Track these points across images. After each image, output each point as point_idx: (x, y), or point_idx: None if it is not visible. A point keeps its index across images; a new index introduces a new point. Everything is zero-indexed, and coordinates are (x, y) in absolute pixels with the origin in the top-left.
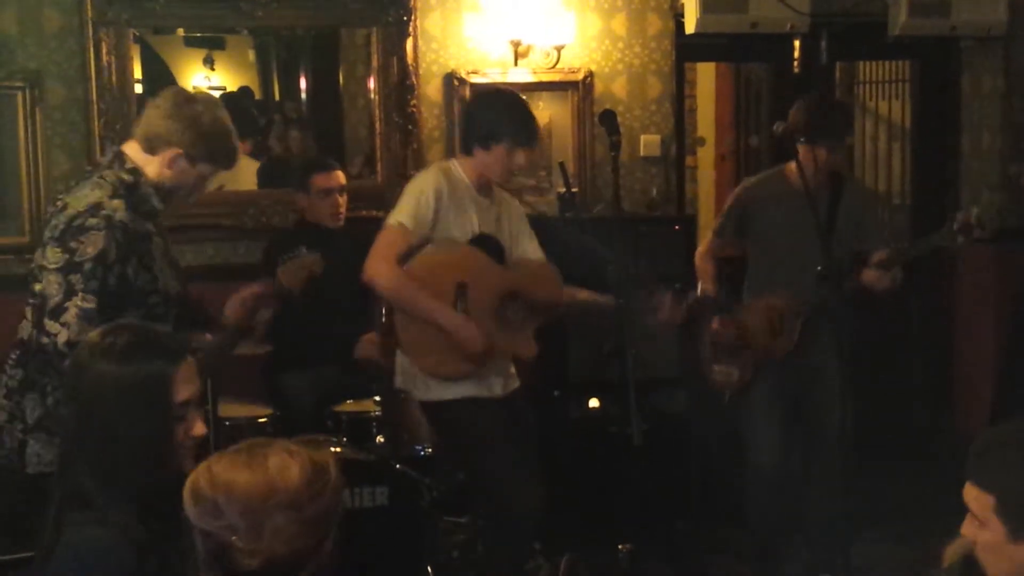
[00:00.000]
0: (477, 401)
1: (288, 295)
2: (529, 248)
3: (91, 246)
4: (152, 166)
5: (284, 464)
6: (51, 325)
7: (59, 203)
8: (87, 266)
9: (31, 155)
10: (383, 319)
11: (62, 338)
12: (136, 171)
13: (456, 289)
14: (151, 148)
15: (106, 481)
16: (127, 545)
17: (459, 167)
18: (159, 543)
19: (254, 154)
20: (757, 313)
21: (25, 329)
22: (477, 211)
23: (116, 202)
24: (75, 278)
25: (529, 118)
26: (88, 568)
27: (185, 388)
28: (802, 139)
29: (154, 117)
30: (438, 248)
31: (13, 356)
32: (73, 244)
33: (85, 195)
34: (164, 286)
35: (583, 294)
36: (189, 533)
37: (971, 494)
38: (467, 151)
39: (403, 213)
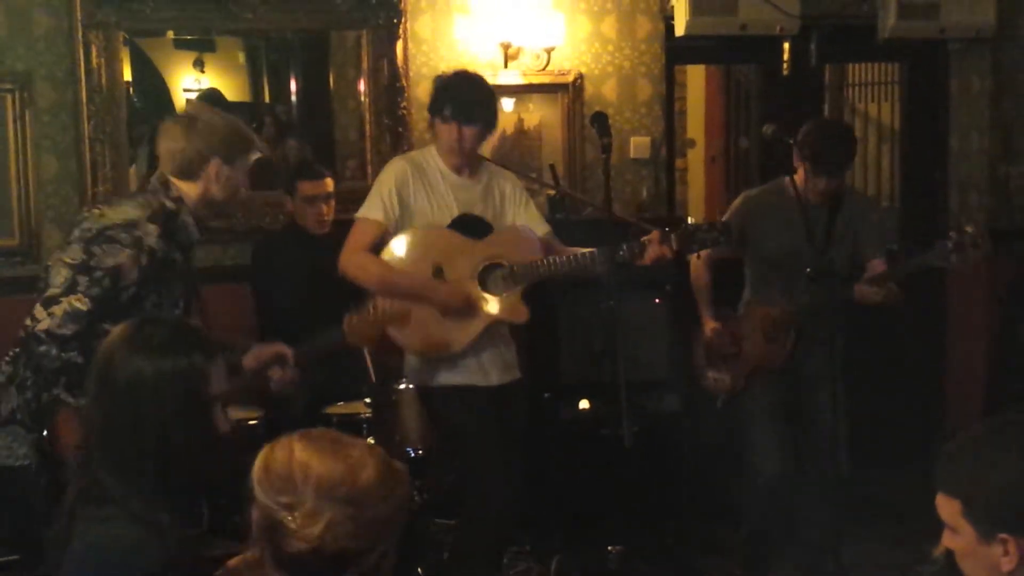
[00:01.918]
0: (470, 390)
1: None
2: (525, 219)
3: (111, 258)
4: (195, 189)
5: (363, 460)
6: (39, 311)
7: (96, 211)
8: (98, 274)
9: (21, 157)
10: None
11: (42, 326)
12: (180, 200)
13: (433, 271)
14: (188, 173)
15: (136, 474)
16: (155, 542)
17: (434, 150)
18: (181, 536)
19: None
20: (752, 322)
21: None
22: (453, 191)
23: (151, 227)
24: (82, 279)
25: (471, 95)
26: (113, 565)
27: (216, 383)
28: (807, 165)
29: (175, 147)
30: (409, 234)
31: (10, 353)
32: (96, 249)
33: (125, 211)
34: (172, 315)
35: (568, 251)
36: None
37: (941, 503)
38: (432, 129)
39: (368, 207)
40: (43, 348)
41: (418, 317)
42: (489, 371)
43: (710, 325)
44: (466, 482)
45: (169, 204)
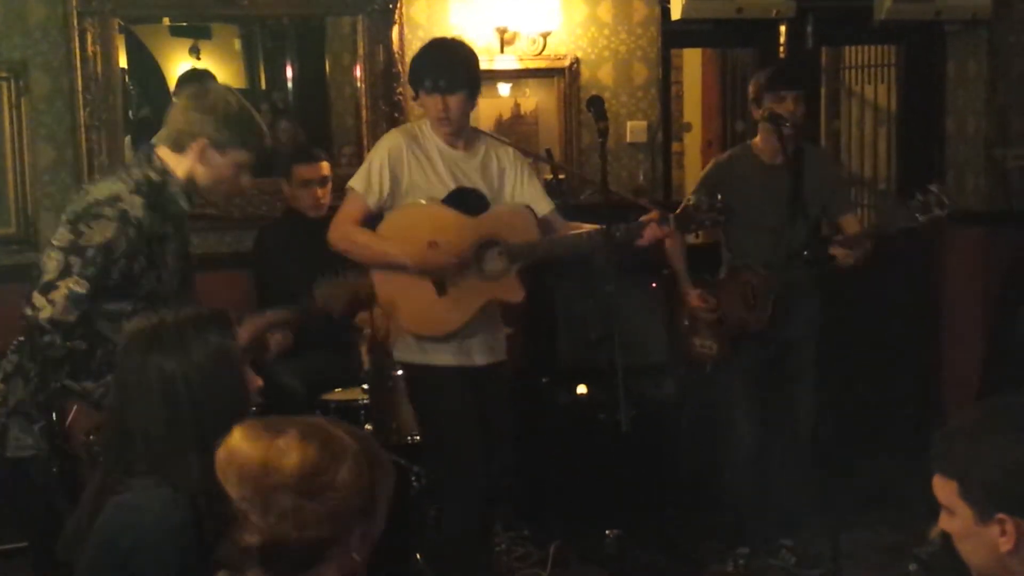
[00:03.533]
0: (454, 370)
1: (323, 316)
2: (527, 194)
3: (99, 234)
4: (182, 164)
5: (288, 446)
6: (38, 299)
7: (84, 190)
8: (89, 252)
9: (16, 146)
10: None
11: (45, 314)
12: (165, 171)
13: (427, 247)
14: (179, 146)
15: (178, 464)
16: (184, 501)
17: (427, 124)
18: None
19: None
20: (732, 288)
21: None
22: (449, 165)
23: (136, 198)
24: (74, 260)
25: (449, 61)
26: (145, 529)
27: (244, 357)
28: (768, 94)
29: (176, 114)
30: (403, 210)
31: (15, 342)
32: (83, 228)
33: (108, 185)
34: (166, 290)
35: (570, 228)
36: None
37: (937, 484)
38: (419, 104)
39: (358, 179)
40: (47, 338)
41: (413, 296)
42: (474, 352)
43: (691, 292)
44: (445, 463)
45: (153, 175)
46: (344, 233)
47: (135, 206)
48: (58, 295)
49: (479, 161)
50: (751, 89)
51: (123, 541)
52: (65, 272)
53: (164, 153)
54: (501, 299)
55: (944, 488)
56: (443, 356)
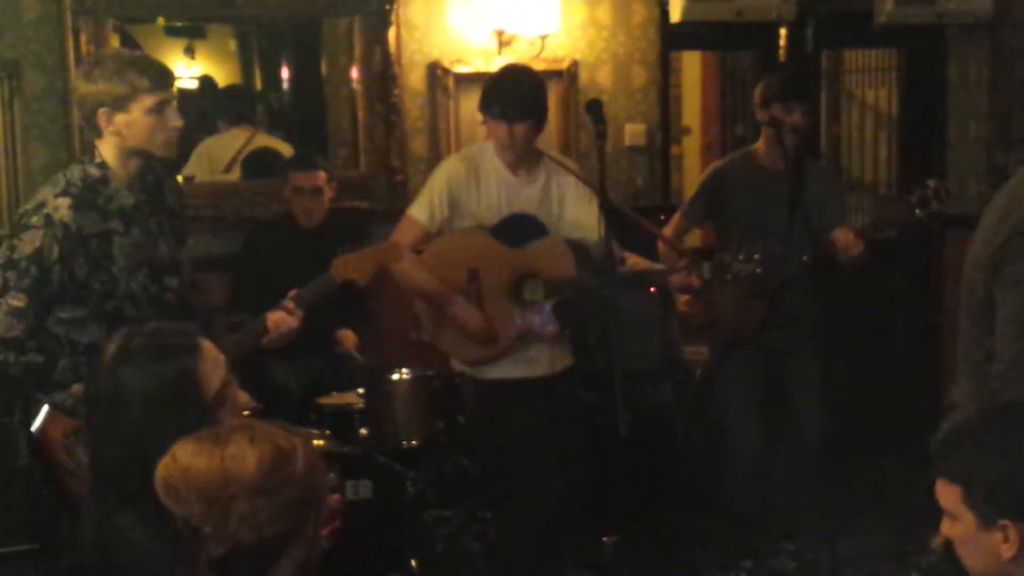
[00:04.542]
0: (514, 384)
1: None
2: (583, 222)
3: (28, 245)
4: (108, 145)
5: (241, 452)
6: None
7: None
8: (22, 264)
9: (9, 146)
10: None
11: None
12: (104, 165)
13: (468, 275)
14: (96, 131)
15: (143, 485)
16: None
17: (491, 147)
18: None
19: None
20: (725, 293)
21: None
22: (507, 192)
23: (60, 200)
24: (10, 275)
25: (498, 89)
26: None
27: (215, 375)
28: (778, 103)
29: (77, 108)
30: (450, 237)
31: None
32: (14, 241)
33: (40, 192)
34: (129, 289)
35: (630, 260)
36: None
37: (940, 489)
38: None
39: (418, 206)
40: (0, 356)
41: (450, 326)
42: (536, 362)
43: (682, 298)
44: (512, 479)
45: (93, 171)
46: (399, 259)
47: (59, 208)
48: (0, 313)
49: (539, 188)
50: (757, 92)
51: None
52: (3, 289)
53: (99, 145)
54: (535, 332)
55: (947, 493)
56: (500, 369)
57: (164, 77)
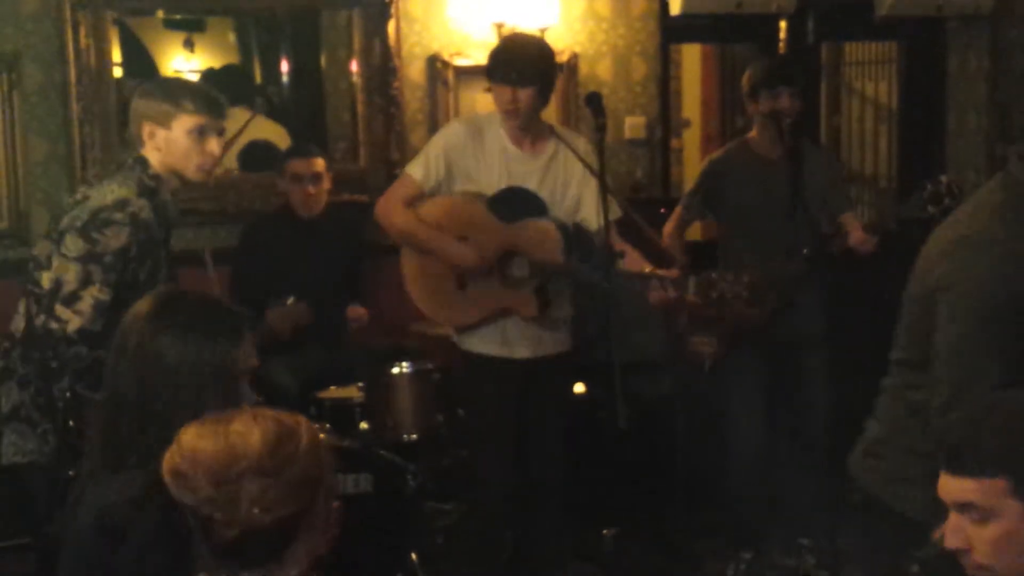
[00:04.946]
0: (498, 361)
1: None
2: (585, 206)
3: (115, 239)
4: (153, 159)
5: (246, 429)
6: (62, 311)
7: (80, 195)
8: (107, 259)
9: (8, 140)
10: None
11: (73, 325)
12: (158, 178)
13: (457, 242)
14: (141, 144)
15: (150, 452)
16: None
17: (498, 117)
18: None
19: None
20: (733, 285)
21: (16, 322)
22: (507, 163)
23: (142, 201)
24: (94, 268)
25: (504, 52)
26: (121, 517)
27: (245, 361)
28: (765, 90)
29: (131, 110)
30: (445, 199)
31: (2, 349)
32: (96, 235)
33: (112, 190)
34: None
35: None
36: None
37: (968, 488)
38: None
39: (415, 164)
40: (74, 349)
41: (434, 282)
42: (515, 344)
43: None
44: (471, 452)
45: (148, 181)
46: (389, 210)
47: (144, 209)
48: (84, 305)
49: (542, 164)
50: (744, 82)
51: (104, 542)
52: (87, 281)
53: (148, 157)
54: (514, 309)
55: (982, 490)
56: (481, 345)
57: (212, 105)
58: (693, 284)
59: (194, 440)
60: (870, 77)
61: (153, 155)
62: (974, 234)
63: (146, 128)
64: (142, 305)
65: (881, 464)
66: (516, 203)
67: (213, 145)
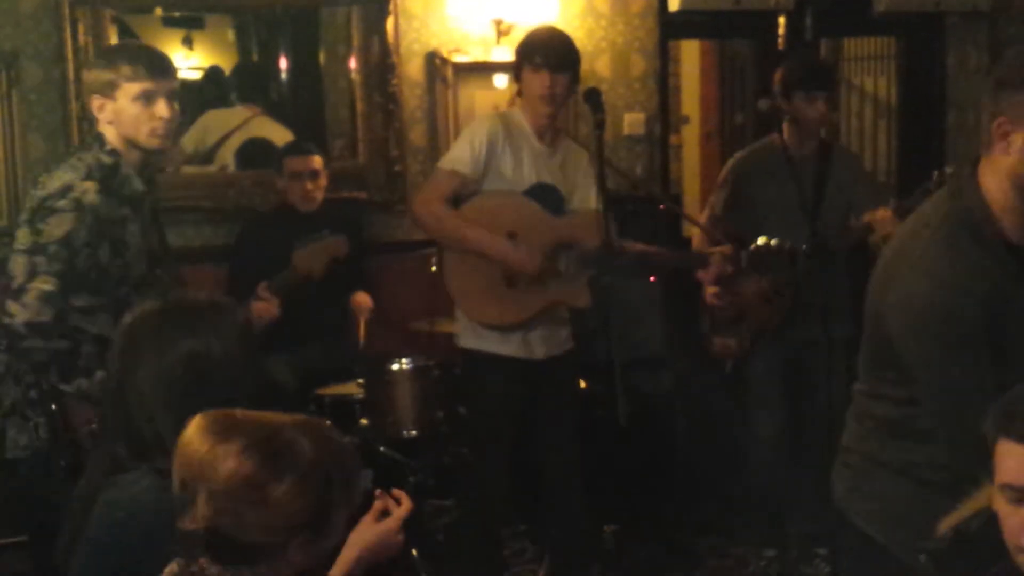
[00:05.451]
0: (510, 361)
1: (304, 281)
2: (588, 203)
3: (57, 228)
4: (109, 132)
5: (224, 455)
6: (12, 306)
7: (40, 184)
8: (51, 248)
9: (7, 138)
10: (433, 268)
11: (20, 318)
12: (116, 152)
13: (506, 238)
14: (96, 119)
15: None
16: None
17: (520, 114)
18: None
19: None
20: (751, 284)
21: None
22: (535, 159)
23: (88, 184)
24: (39, 260)
25: (541, 39)
26: (145, 512)
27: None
28: (801, 92)
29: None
30: (488, 197)
31: (4, 343)
32: (40, 226)
33: (59, 176)
34: (135, 274)
35: (638, 246)
36: None
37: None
38: (519, 92)
39: (454, 157)
40: (27, 343)
41: (482, 282)
42: (534, 345)
43: (710, 290)
44: (474, 451)
45: (105, 159)
46: (431, 209)
47: (88, 192)
48: (30, 297)
49: (559, 160)
50: (777, 78)
51: (118, 539)
52: (32, 274)
53: (105, 132)
54: (567, 302)
55: None
56: (502, 346)
57: (153, 66)
58: (746, 257)
59: (193, 430)
60: (869, 73)
61: (107, 129)
62: (912, 252)
63: (95, 102)
64: (146, 319)
65: (845, 472)
66: (547, 198)
67: (162, 108)
